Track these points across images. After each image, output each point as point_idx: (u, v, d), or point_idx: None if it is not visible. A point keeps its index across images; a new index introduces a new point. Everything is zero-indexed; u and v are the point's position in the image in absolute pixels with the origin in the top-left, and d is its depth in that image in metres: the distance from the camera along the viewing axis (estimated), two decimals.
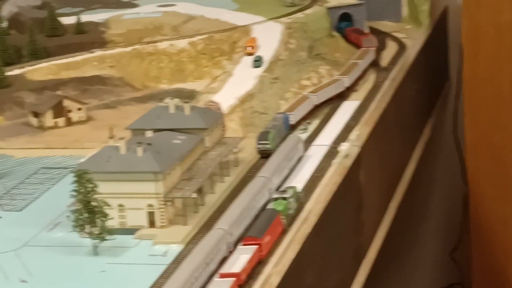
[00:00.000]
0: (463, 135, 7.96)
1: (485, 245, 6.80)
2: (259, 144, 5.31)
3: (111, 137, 4.37)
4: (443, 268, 7.53)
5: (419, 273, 7.60)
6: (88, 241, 3.95)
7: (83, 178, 3.89)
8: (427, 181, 7.92)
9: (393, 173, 6.38)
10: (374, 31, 8.22)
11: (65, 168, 5.91)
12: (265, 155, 5.25)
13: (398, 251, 7.02)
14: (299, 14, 7.38)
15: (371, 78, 7.07)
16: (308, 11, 7.49)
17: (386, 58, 7.58)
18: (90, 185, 3.96)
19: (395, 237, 6.27)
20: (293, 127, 7.52)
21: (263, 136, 5.34)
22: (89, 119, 6.16)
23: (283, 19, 7.18)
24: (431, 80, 8.22)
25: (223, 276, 3.61)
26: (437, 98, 8.52)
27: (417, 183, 7.08)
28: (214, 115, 4.91)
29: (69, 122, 6.23)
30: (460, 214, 7.51)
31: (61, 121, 6.07)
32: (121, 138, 4.20)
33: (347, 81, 6.76)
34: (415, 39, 7.73)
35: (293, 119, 5.97)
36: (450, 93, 8.56)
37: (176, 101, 4.76)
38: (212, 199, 4.49)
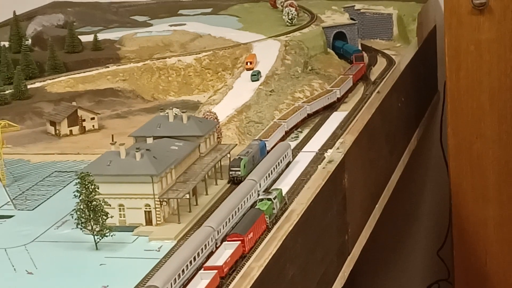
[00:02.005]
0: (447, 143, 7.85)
1: (466, 243, 6.60)
2: (231, 170, 4.89)
3: (112, 143, 4.24)
4: (431, 265, 7.30)
5: (408, 271, 7.38)
6: (90, 237, 3.82)
7: (85, 180, 3.76)
8: (415, 185, 7.69)
9: (379, 177, 6.14)
10: (367, 48, 7.98)
11: (76, 172, 5.80)
12: (236, 181, 4.85)
13: (386, 250, 6.83)
14: (297, 33, 7.04)
15: (360, 91, 6.80)
16: (304, 30, 7.16)
17: (375, 73, 7.31)
18: (92, 187, 3.82)
19: (381, 236, 6.08)
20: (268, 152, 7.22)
21: (235, 162, 4.92)
22: (101, 127, 5.88)
23: (282, 37, 6.87)
24: (419, 92, 7.96)
25: (207, 268, 3.48)
26: (425, 109, 8.27)
27: (404, 187, 6.86)
28: (209, 124, 4.68)
29: (83, 130, 5.98)
30: (447, 215, 7.34)
31: (75, 129, 5.81)
32: (121, 144, 4.04)
33: (338, 92, 6.57)
34: (403, 55, 7.47)
35: (269, 145, 5.63)
36: (437, 105, 8.32)
37: (176, 111, 4.61)
38: (205, 200, 4.27)
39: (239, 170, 2.85)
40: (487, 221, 4.56)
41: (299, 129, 3.72)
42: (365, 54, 4.26)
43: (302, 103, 3.49)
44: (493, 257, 4.64)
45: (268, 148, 3.05)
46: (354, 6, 4.83)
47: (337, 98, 3.63)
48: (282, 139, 3.12)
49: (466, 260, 4.68)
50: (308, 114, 3.40)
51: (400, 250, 5.44)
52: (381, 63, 4.40)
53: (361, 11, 4.80)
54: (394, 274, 5.52)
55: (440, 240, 5.19)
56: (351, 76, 3.79)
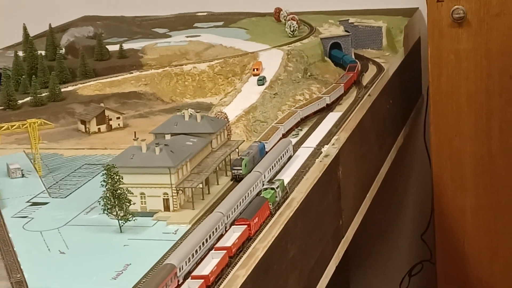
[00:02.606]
0: (430, 140, 7.77)
1: (447, 228, 6.53)
2: (233, 169, 4.77)
3: (135, 139, 4.20)
4: (415, 248, 7.19)
5: (395, 252, 7.29)
6: (115, 222, 3.76)
7: (111, 171, 3.72)
8: (401, 177, 7.55)
9: (370, 170, 6.04)
10: (359, 57, 7.89)
11: (103, 164, 5.74)
12: (238, 179, 4.73)
13: (376, 233, 6.74)
14: (298, 43, 6.99)
15: (353, 94, 6.73)
16: (305, 41, 7.07)
17: (367, 78, 7.19)
18: (117, 177, 3.77)
19: (372, 221, 5.98)
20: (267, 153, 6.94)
21: (236, 162, 4.81)
22: (125, 126, 5.83)
23: (284, 47, 6.78)
24: (405, 95, 7.86)
25: (217, 249, 3.44)
26: (411, 110, 8.15)
27: (392, 178, 6.74)
28: (220, 123, 4.63)
29: (110, 128, 5.88)
30: (430, 204, 7.26)
31: (103, 127, 5.72)
32: (143, 140, 4.00)
33: (327, 99, 6.46)
34: (391, 63, 7.37)
35: (268, 146, 5.47)
36: (421, 107, 8.21)
37: (191, 111, 4.56)
38: (217, 189, 4.22)
39: (240, 169, 2.85)
40: (465, 208, 4.56)
41: (299, 128, 3.72)
42: (358, 63, 4.23)
43: (295, 108, 3.48)
44: (469, 240, 4.64)
45: (267, 149, 3.04)
46: (348, 19, 4.83)
47: (326, 104, 3.61)
48: (279, 140, 3.11)
49: (446, 242, 4.67)
50: (301, 118, 3.40)
51: (388, 234, 5.43)
52: (372, 69, 4.39)
53: (354, 24, 4.80)
54: (382, 255, 5.51)
55: (424, 225, 5.18)
56: (342, 84, 3.78)
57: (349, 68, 4.17)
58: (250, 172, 2.87)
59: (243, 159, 2.89)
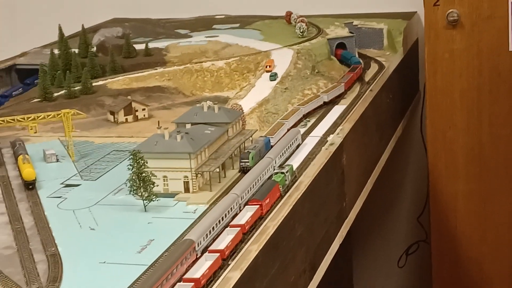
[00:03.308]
0: (426, 132, 7.71)
1: (441, 211, 6.49)
2: (241, 162, 4.71)
3: (158, 128, 4.17)
4: (412, 229, 7.13)
5: (394, 233, 7.22)
6: (140, 202, 3.74)
7: (137, 156, 3.70)
8: (399, 165, 7.47)
9: (371, 158, 5.95)
10: (362, 56, 7.83)
11: (130, 150, 5.72)
12: (246, 171, 4.66)
13: (376, 215, 6.67)
14: (307, 43, 6.91)
15: (356, 89, 6.70)
16: (313, 41, 7.02)
17: (369, 75, 7.13)
18: (142, 162, 3.74)
19: (372, 205, 5.91)
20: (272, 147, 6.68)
21: (244, 155, 4.74)
22: (150, 116, 5.76)
23: (294, 46, 6.73)
24: (404, 91, 7.76)
25: (232, 226, 3.45)
26: (409, 104, 8.05)
27: (391, 166, 6.66)
28: (236, 114, 4.60)
29: (136, 119, 5.83)
30: (425, 189, 7.18)
31: (130, 117, 5.66)
32: (165, 128, 3.96)
33: (325, 98, 6.32)
34: (391, 61, 7.28)
35: (273, 141, 5.33)
36: (418, 101, 8.10)
37: (209, 103, 4.52)
38: (232, 173, 4.18)
39: (248, 162, 2.83)
40: (457, 193, 4.55)
41: (307, 119, 3.71)
42: (361, 65, 4.21)
43: (298, 105, 3.46)
44: (461, 222, 4.63)
45: (272, 143, 3.02)
46: (353, 22, 4.82)
47: (324, 102, 3.60)
48: (284, 135, 3.10)
49: (440, 224, 4.66)
50: (303, 115, 3.38)
51: (387, 216, 5.42)
52: (374, 67, 4.38)
53: (358, 26, 4.79)
54: (382, 235, 5.50)
55: (420, 209, 5.17)
56: (343, 84, 3.77)
57: (351, 68, 4.16)
58: (256, 164, 2.84)
59: (250, 152, 2.88)
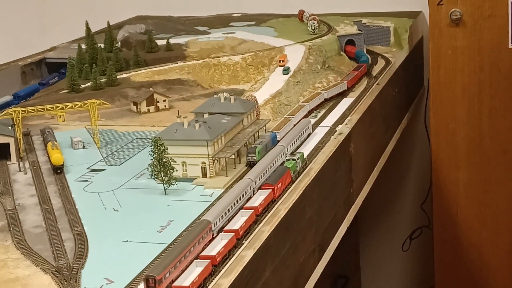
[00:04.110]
0: (429, 123, 7.66)
1: (443, 199, 6.44)
2: (248, 156, 4.62)
3: (178, 117, 4.16)
4: (416, 215, 7.06)
5: (398, 218, 7.17)
6: (161, 186, 3.73)
7: (158, 143, 3.67)
8: (404, 154, 7.37)
9: (377, 147, 5.88)
10: (370, 52, 7.73)
11: (151, 138, 5.68)
12: (252, 165, 4.58)
13: (382, 202, 6.61)
14: (318, 40, 6.82)
15: (365, 83, 6.64)
16: (323, 38, 6.95)
17: (376, 70, 7.06)
18: (163, 148, 3.72)
19: (378, 191, 5.82)
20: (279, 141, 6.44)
21: (251, 149, 4.64)
22: (170, 107, 5.72)
23: (306, 43, 6.67)
24: (409, 85, 7.67)
25: (246, 208, 3.44)
26: (414, 98, 7.95)
27: (396, 155, 6.57)
28: (251, 104, 4.57)
29: (157, 109, 5.77)
30: (428, 178, 7.10)
31: (151, 108, 5.60)
32: (185, 117, 3.94)
33: (325, 95, 6.17)
34: (397, 57, 7.19)
35: (279, 136, 5.20)
36: (423, 94, 8.01)
37: (226, 94, 4.49)
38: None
39: (254, 156, 2.83)
40: (458, 182, 4.55)
41: (317, 110, 3.71)
42: (367, 64, 4.19)
43: (302, 102, 3.46)
44: (461, 209, 4.63)
45: (278, 138, 3.01)
46: (361, 20, 4.82)
47: (325, 99, 3.59)
48: (290, 130, 3.08)
49: (442, 211, 4.67)
50: (308, 111, 3.38)
51: (392, 203, 5.42)
52: (381, 63, 4.38)
53: (366, 24, 4.79)
54: (387, 220, 5.50)
55: (423, 196, 5.17)
56: (346, 81, 3.75)
57: (356, 67, 4.15)
58: (262, 158, 2.83)
59: (257, 147, 2.87)
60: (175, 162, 2.84)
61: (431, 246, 4.94)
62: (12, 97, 4.19)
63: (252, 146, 3.01)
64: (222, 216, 2.43)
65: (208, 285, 2.12)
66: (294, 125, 3.29)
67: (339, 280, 4.52)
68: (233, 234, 2.35)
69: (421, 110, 5.37)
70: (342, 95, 3.89)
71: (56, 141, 3.33)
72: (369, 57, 4.44)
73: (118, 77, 4.31)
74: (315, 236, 2.96)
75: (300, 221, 2.77)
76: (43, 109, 3.38)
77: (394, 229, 5.70)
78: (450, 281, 4.91)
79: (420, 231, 5.52)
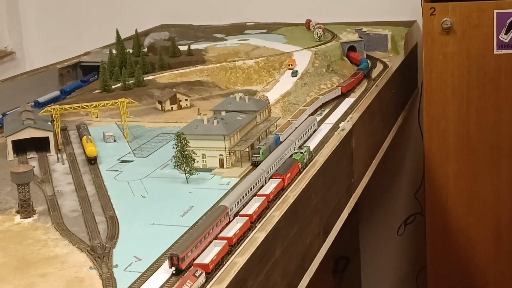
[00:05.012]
0: (422, 121, 7.56)
1: (434, 188, 6.38)
2: (253, 156, 4.51)
3: (199, 114, 4.14)
4: (410, 203, 6.99)
5: (393, 206, 7.09)
6: (183, 175, 3.71)
7: (180, 137, 3.66)
8: (400, 149, 7.30)
9: (376, 142, 5.80)
10: (370, 57, 7.65)
11: (175, 133, 5.63)
12: (257, 164, 4.47)
13: (379, 191, 6.54)
14: (323, 46, 6.76)
15: (364, 85, 6.57)
16: (328, 44, 6.87)
17: (375, 73, 6.98)
18: (185, 142, 3.70)
19: (376, 182, 5.74)
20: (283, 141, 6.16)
21: (256, 150, 4.54)
22: (191, 106, 5.70)
23: (312, 48, 6.58)
24: (404, 87, 7.56)
25: (259, 195, 3.44)
26: (408, 99, 7.84)
27: (393, 150, 6.49)
28: (263, 103, 4.54)
29: (180, 107, 5.72)
30: (421, 170, 7.05)
31: (174, 106, 5.56)
32: (204, 114, 3.91)
33: (322, 99, 5.96)
34: (394, 62, 7.10)
35: (282, 138, 5.04)
36: (417, 95, 7.92)
37: (241, 94, 4.46)
38: None
39: (259, 156, 2.81)
40: (448, 174, 4.56)
41: (322, 109, 3.72)
42: (363, 71, 4.16)
43: (303, 106, 3.44)
44: (451, 198, 4.63)
45: (281, 140, 2.99)
46: (362, 28, 4.83)
47: (322, 103, 3.57)
48: (292, 132, 3.06)
49: (433, 199, 4.67)
50: (309, 114, 3.36)
51: (389, 192, 5.43)
52: (379, 67, 4.39)
53: (367, 32, 4.79)
54: (384, 207, 5.51)
55: (416, 186, 5.18)
56: (340, 87, 3.74)
57: (354, 74, 4.14)
58: (266, 158, 2.81)
59: (261, 148, 2.86)
60: (196, 154, 2.85)
61: (423, 231, 4.94)
62: (60, 92, 4.32)
63: (257, 147, 2.97)
64: (238, 202, 2.45)
65: (225, 263, 2.14)
66: (296, 128, 3.26)
67: (341, 261, 4.54)
68: (247, 218, 2.37)
69: (415, 109, 5.37)
70: (339, 98, 3.88)
71: (90, 135, 3.35)
72: (369, 64, 4.43)
73: (144, 78, 4.33)
74: (320, 220, 2.97)
75: (307, 207, 2.78)
76: (79, 107, 3.41)
77: (390, 215, 5.72)
78: (441, 262, 4.92)
79: (414, 217, 5.53)
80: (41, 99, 4.16)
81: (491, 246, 4.88)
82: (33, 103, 4.06)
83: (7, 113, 3.76)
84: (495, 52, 4.61)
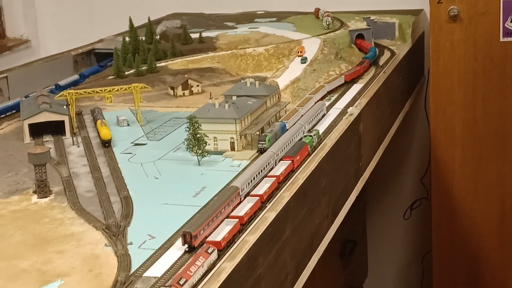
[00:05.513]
0: (429, 108, 7.47)
1: (440, 174, 6.33)
2: (259, 143, 4.44)
3: (210, 98, 4.13)
4: (416, 188, 6.96)
5: (400, 191, 7.07)
6: (195, 158, 3.69)
7: (192, 121, 3.65)
8: (407, 134, 7.23)
9: (383, 127, 5.76)
10: (377, 45, 7.56)
11: (187, 117, 5.59)
12: (263, 151, 4.40)
13: (386, 176, 6.52)
14: (331, 34, 6.68)
15: (372, 71, 6.50)
16: (337, 32, 6.80)
17: (382, 60, 6.92)
18: (197, 125, 3.68)
19: (383, 167, 5.69)
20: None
21: (262, 138, 4.48)
22: (203, 91, 5.67)
23: (321, 36, 6.52)
24: (411, 74, 7.49)
25: (269, 177, 3.44)
26: (415, 85, 7.77)
27: (399, 135, 6.45)
28: (273, 88, 4.53)
29: (191, 93, 5.68)
30: (427, 155, 6.97)
31: (186, 92, 5.52)
32: (216, 98, 3.90)
33: (328, 87, 5.84)
34: (401, 49, 7.03)
35: (288, 125, 4.94)
36: (424, 82, 7.87)
37: (251, 80, 4.46)
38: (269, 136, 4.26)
39: (265, 143, 2.80)
40: (454, 159, 4.55)
41: (331, 94, 3.71)
42: (369, 60, 4.14)
43: (309, 95, 3.42)
44: (457, 182, 4.63)
45: (287, 127, 2.97)
46: (370, 17, 4.81)
47: (327, 91, 3.55)
48: (295, 123, 3.05)
49: (439, 184, 4.67)
50: (315, 101, 3.35)
51: (396, 177, 5.43)
52: (387, 54, 4.37)
53: (374, 20, 4.78)
54: (391, 192, 5.51)
55: (423, 171, 5.17)
56: (343, 76, 3.71)
57: (360, 62, 4.12)
58: (271, 145, 2.80)
59: (267, 135, 2.85)
60: (208, 137, 2.86)
61: (429, 215, 4.94)
62: (79, 76, 4.40)
63: (263, 134, 2.95)
64: (249, 183, 2.46)
65: (237, 241, 2.15)
66: (302, 115, 3.24)
67: (348, 244, 4.55)
68: (258, 198, 2.38)
69: (422, 96, 5.36)
70: (346, 85, 3.87)
71: (104, 119, 3.36)
72: (377, 53, 4.41)
73: (157, 65, 4.34)
74: (329, 202, 2.98)
75: (316, 189, 2.79)
76: (93, 91, 3.42)
77: (396, 200, 5.72)
78: (446, 246, 4.93)
79: (420, 202, 5.53)
80: (62, 83, 4.23)
81: (496, 230, 4.88)
82: (54, 86, 4.15)
83: (30, 95, 3.80)
84: (501, 39, 4.60)
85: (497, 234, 4.87)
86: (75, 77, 4.40)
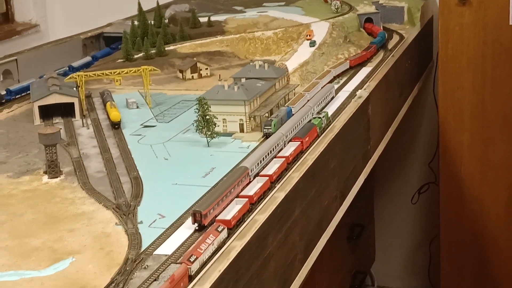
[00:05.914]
0: (438, 92, 7.37)
1: (448, 158, 6.30)
2: (264, 128, 4.37)
3: (219, 80, 4.12)
4: (424, 173, 6.94)
5: (408, 175, 7.05)
6: (204, 139, 3.69)
7: (202, 102, 3.64)
8: (415, 118, 7.17)
9: (392, 111, 5.70)
10: (386, 29, 7.46)
11: (196, 99, 5.57)
12: (268, 136, 4.33)
13: (394, 160, 6.48)
14: (340, 17, 6.62)
15: (381, 55, 6.42)
16: (345, 16, 6.72)
17: (391, 44, 6.83)
18: (206, 107, 3.67)
19: (391, 151, 5.62)
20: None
21: (267, 122, 4.40)
22: (211, 74, 5.65)
23: (330, 20, 6.44)
24: (420, 58, 7.41)
25: (278, 157, 3.43)
26: (424, 69, 7.68)
27: (408, 118, 6.37)
28: (282, 71, 4.50)
29: (200, 76, 5.64)
30: (436, 139, 6.92)
31: (195, 75, 5.49)
32: (225, 80, 3.88)
33: (334, 72, 5.72)
34: (410, 33, 6.94)
35: (294, 110, 4.85)
36: (432, 67, 7.83)
37: (260, 62, 4.43)
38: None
39: (270, 128, 2.79)
40: (462, 143, 4.54)
41: (340, 77, 3.70)
42: (376, 45, 4.11)
43: (316, 79, 3.40)
44: (465, 166, 4.63)
45: (293, 112, 2.95)
46: (379, 1, 4.79)
47: (334, 76, 3.52)
48: (304, 105, 3.03)
49: (447, 168, 4.67)
50: (321, 86, 3.33)
51: (404, 161, 5.43)
52: (395, 38, 4.36)
53: (383, 4, 4.76)
54: (399, 176, 5.51)
55: (431, 155, 5.17)
56: (348, 61, 3.68)
57: (366, 47, 4.09)
58: (277, 130, 2.79)
59: (273, 120, 2.84)
60: (217, 118, 2.87)
61: (437, 199, 4.94)
62: (91, 58, 4.42)
63: (269, 119, 2.93)
64: (258, 163, 2.47)
65: (246, 220, 2.16)
66: (308, 100, 3.20)
67: (356, 228, 4.56)
68: (267, 178, 2.39)
69: (430, 79, 5.35)
70: (351, 71, 3.85)
71: (114, 101, 3.37)
72: (385, 37, 4.38)
73: (166, 48, 4.33)
74: (337, 184, 2.99)
75: (325, 170, 2.79)
76: (103, 74, 3.43)
77: (404, 184, 5.72)
78: (454, 230, 4.93)
79: (428, 187, 5.52)
80: (75, 64, 4.26)
81: (504, 214, 4.87)
82: (67, 68, 4.18)
83: (44, 75, 3.82)
84: (511, 23, 4.58)
85: (505, 218, 4.87)
86: (88, 59, 4.43)
